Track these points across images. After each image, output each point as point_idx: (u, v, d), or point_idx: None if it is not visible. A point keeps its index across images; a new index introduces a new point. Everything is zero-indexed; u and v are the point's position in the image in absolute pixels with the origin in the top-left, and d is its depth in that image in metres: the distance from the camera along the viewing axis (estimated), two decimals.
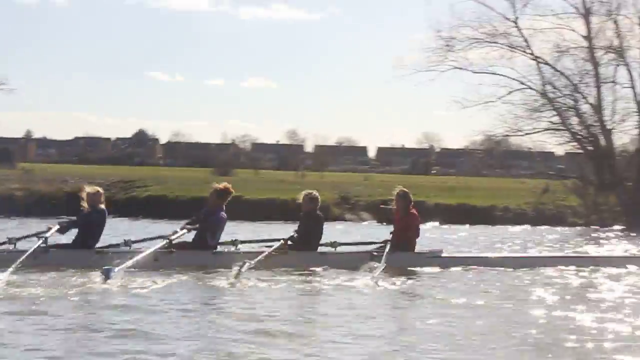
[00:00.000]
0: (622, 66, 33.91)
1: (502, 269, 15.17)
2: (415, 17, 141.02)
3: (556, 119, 34.39)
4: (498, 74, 34.52)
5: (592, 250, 21.18)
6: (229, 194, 14.90)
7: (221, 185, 14.99)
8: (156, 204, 29.72)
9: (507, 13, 34.13)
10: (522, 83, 34.34)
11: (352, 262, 14.63)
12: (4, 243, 13.85)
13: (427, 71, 34.84)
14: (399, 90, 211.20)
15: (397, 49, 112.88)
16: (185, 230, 14.52)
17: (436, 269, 14.82)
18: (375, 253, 15.00)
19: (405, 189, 15.82)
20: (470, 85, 42.85)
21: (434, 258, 15.33)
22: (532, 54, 34.23)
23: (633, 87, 33.73)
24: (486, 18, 34.19)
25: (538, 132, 34.79)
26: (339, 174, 70.91)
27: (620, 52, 33.69)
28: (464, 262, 15.61)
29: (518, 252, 19.59)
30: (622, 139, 35.02)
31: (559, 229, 29.39)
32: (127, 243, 14.11)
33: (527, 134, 34.97)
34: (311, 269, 14.20)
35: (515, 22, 34.09)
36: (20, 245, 13.73)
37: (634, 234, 26.55)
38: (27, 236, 14.14)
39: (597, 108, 33.70)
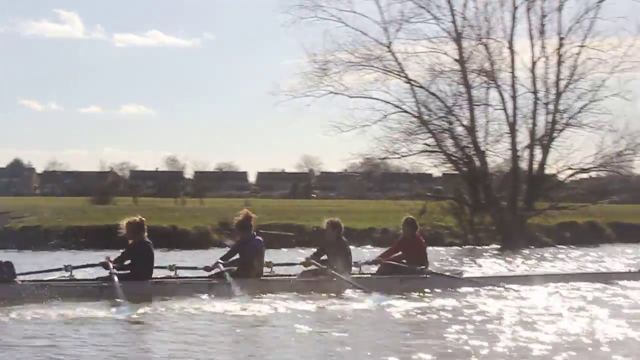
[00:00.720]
0: (494, 88, 34.58)
1: (527, 286, 15.57)
2: (289, 41, 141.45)
3: (431, 140, 34.73)
4: (374, 98, 34.81)
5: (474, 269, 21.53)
6: (251, 219, 14.86)
7: (240, 217, 14.87)
8: (31, 234, 28.94)
9: (380, 38, 34.51)
10: (398, 106, 34.65)
11: (387, 284, 14.85)
12: (59, 270, 13.74)
13: (304, 97, 34.91)
14: (278, 115, 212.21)
15: (273, 74, 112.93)
16: (220, 266, 14.33)
17: (462, 290, 15.11)
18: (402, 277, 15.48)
19: (412, 217, 16.87)
20: (347, 109, 42.47)
21: (458, 279, 15.68)
22: (406, 77, 34.56)
23: (505, 109, 34.41)
24: (361, 42, 34.50)
25: (414, 154, 35.14)
26: (220, 200, 70.49)
27: (491, 75, 34.39)
28: (488, 282, 15.87)
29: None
30: (495, 160, 35.67)
31: (436, 249, 29.73)
32: (171, 268, 14.47)
33: (403, 156, 35.18)
34: (356, 291, 14.37)
35: (389, 47, 34.48)
36: (77, 273, 13.68)
37: (509, 253, 27.16)
38: (86, 265, 14.28)
39: (471, 130, 34.30)
